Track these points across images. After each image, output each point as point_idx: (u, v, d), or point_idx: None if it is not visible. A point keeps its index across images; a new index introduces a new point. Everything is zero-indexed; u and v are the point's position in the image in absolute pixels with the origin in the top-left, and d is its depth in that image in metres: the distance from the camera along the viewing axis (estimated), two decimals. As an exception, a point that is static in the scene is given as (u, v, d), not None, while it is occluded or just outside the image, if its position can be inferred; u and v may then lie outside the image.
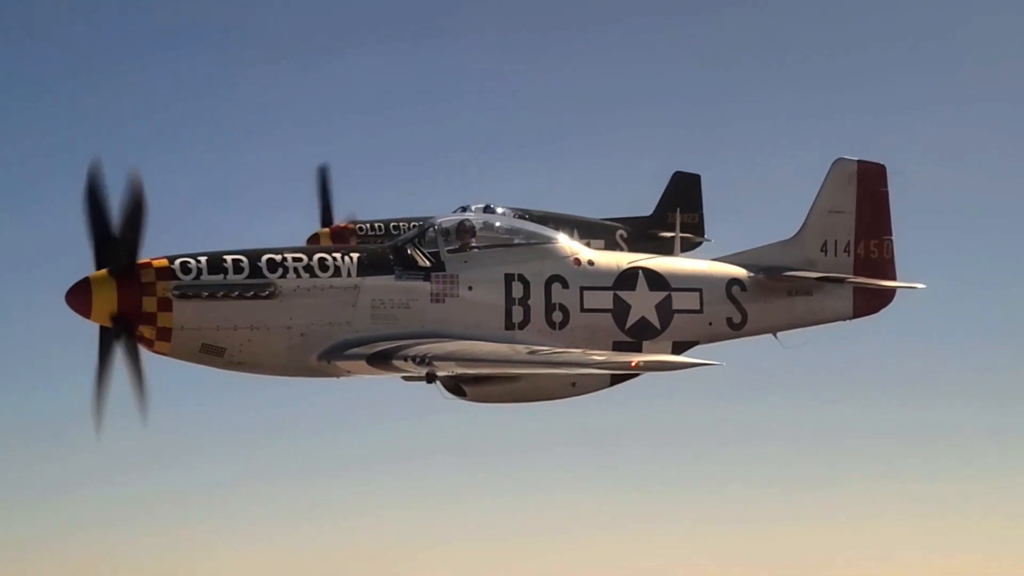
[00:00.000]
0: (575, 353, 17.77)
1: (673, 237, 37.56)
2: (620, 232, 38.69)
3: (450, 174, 53.35)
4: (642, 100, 56.72)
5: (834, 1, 57.00)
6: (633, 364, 16.84)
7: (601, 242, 36.91)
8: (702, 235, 41.01)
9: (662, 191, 41.94)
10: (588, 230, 36.82)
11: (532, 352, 17.63)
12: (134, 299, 17.91)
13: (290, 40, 57.34)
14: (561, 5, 58.09)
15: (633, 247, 37.80)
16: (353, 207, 36.75)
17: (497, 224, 21.01)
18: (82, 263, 18.00)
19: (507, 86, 57.75)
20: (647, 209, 41.36)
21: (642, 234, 39.21)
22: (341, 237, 35.19)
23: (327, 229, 35.70)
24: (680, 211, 39.46)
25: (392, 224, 35.74)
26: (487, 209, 34.14)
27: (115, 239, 17.75)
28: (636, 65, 57.45)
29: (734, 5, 57.25)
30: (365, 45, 56.74)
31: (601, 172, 51.98)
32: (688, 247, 38.61)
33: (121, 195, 17.57)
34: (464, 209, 33.91)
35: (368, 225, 36.01)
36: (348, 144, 54.67)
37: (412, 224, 34.47)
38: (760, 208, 44.02)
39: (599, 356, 17.52)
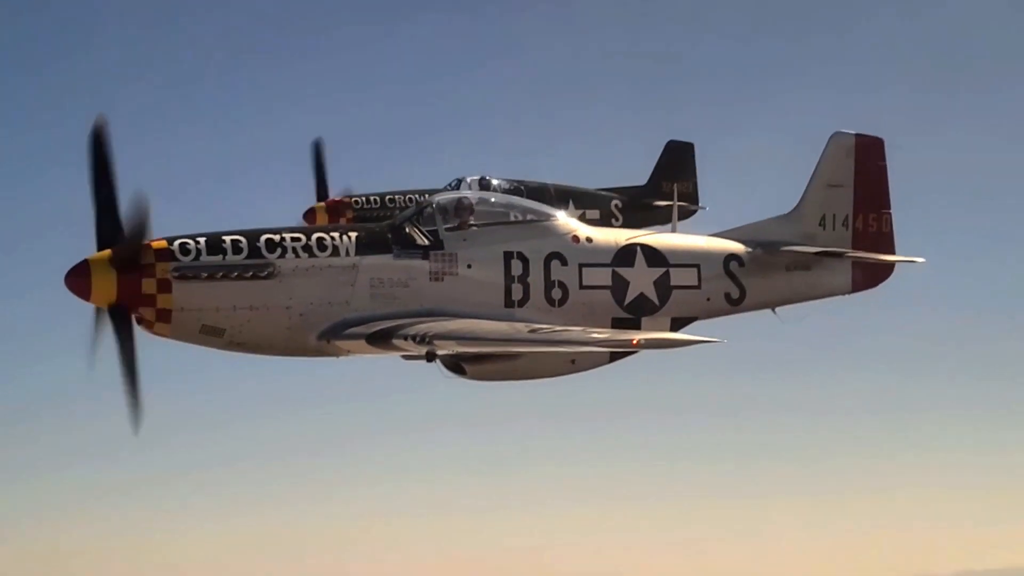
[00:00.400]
0: (576, 331, 17.71)
1: (668, 205, 37.87)
2: (615, 202, 38.60)
3: (446, 146, 53.38)
4: (635, 70, 56.58)
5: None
6: (634, 342, 16.84)
7: (596, 212, 37.00)
8: (696, 203, 40.91)
9: (656, 160, 41.81)
10: (584, 200, 36.93)
11: (533, 331, 17.62)
12: (134, 282, 17.91)
13: (284, 16, 57.15)
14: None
15: (628, 216, 37.88)
16: (349, 180, 36.74)
17: (495, 201, 20.98)
18: (82, 244, 18.11)
19: (502, 58, 57.63)
20: (641, 178, 41.26)
21: (637, 203, 39.11)
22: (337, 211, 35.13)
23: (323, 203, 35.58)
24: (675, 180, 39.56)
25: (388, 197, 35.62)
26: (483, 180, 34.09)
27: (117, 210, 17.75)
28: (629, 35, 57.31)
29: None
30: (360, 20, 56.63)
31: (595, 142, 51.91)
32: (683, 215, 38.58)
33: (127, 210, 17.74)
34: (460, 181, 33.92)
35: (364, 198, 35.89)
36: (344, 117, 54.59)
37: (408, 196, 34.50)
38: (754, 176, 44.05)
39: (600, 334, 17.55)
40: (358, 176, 36.85)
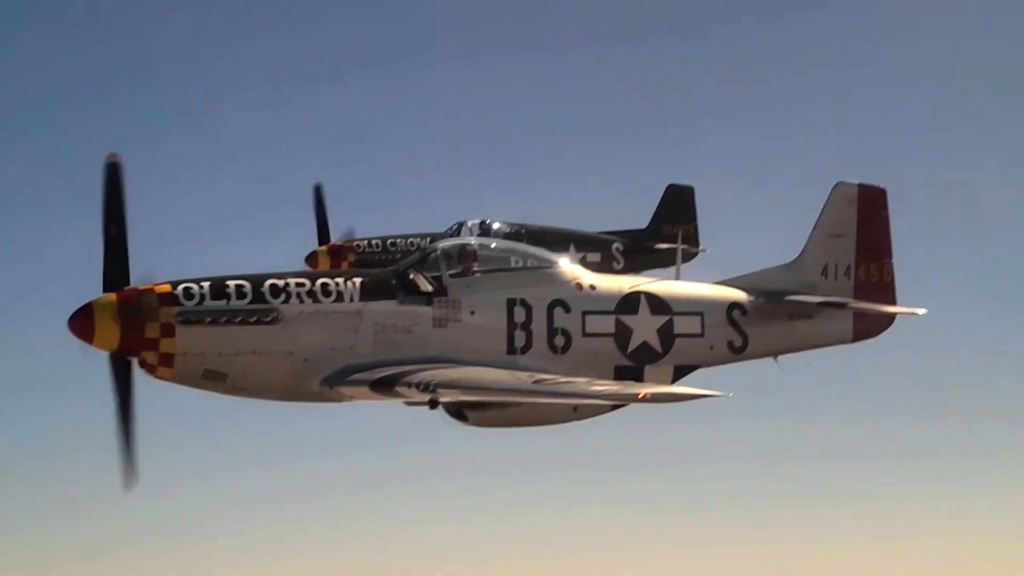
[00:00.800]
0: (581, 384, 17.42)
1: (669, 249, 37.95)
2: (616, 245, 38.66)
3: (446, 190, 53.37)
4: (635, 113, 56.79)
5: (836, 19, 56.88)
6: (640, 396, 16.54)
7: (597, 255, 37.06)
8: (697, 246, 40.98)
9: (656, 204, 41.96)
10: (585, 244, 36.98)
11: (538, 381, 17.46)
12: (137, 325, 17.90)
13: (284, 62, 57.47)
14: (558, 18, 58.09)
15: (629, 259, 37.96)
16: (350, 224, 36.92)
17: (499, 247, 21.01)
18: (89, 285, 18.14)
19: (501, 101, 57.83)
20: (642, 222, 41.40)
21: (638, 247, 39.18)
22: (339, 255, 35.16)
23: (325, 247, 35.63)
24: (675, 223, 39.70)
25: (389, 241, 35.70)
26: (483, 224, 34.15)
27: (126, 251, 17.82)
28: (629, 78, 57.54)
29: (728, 23, 57.22)
30: (360, 64, 56.87)
31: (595, 185, 52.03)
32: (685, 258, 38.58)
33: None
34: (460, 224, 33.99)
35: (366, 242, 35.96)
36: (345, 160, 54.65)
37: (410, 240, 34.58)
38: (754, 220, 44.18)
39: (606, 387, 17.36)
40: (359, 220, 36.84)
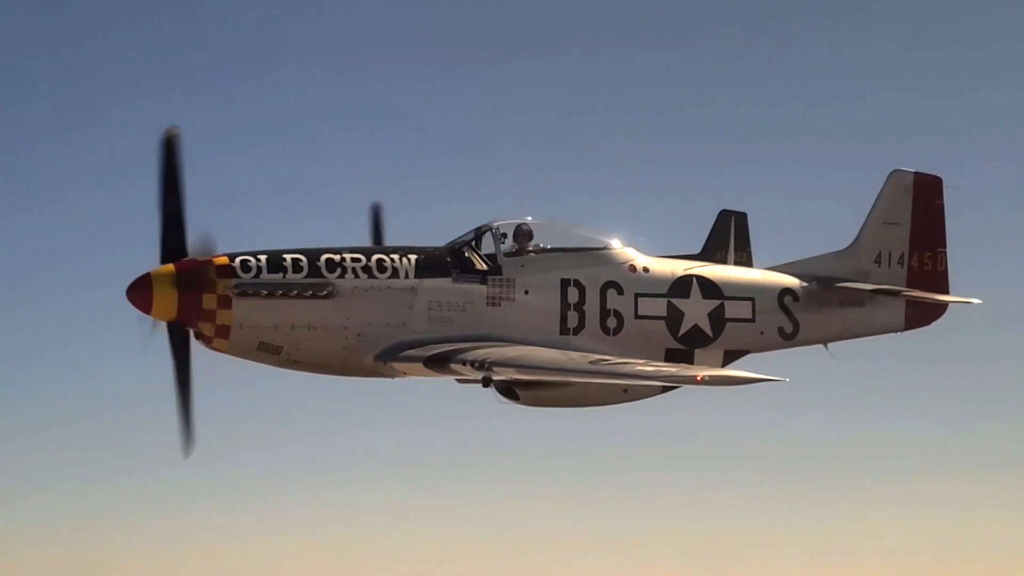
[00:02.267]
0: (638, 364, 17.32)
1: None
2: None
3: (494, 209, 53.28)
4: (689, 137, 56.65)
5: (890, 18, 56.57)
6: (699, 379, 16.37)
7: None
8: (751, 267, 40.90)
9: (709, 229, 41.96)
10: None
11: (594, 362, 17.47)
12: (194, 296, 18.13)
13: (333, 64, 57.70)
14: (607, 36, 58.12)
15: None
16: (401, 234, 37.08)
17: (554, 228, 21.03)
18: (145, 255, 18.38)
19: (554, 125, 57.82)
20: (696, 247, 41.41)
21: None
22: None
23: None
24: (728, 249, 39.68)
25: None
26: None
27: (183, 222, 18.01)
28: (683, 102, 57.49)
29: (774, 45, 57.05)
30: (412, 78, 57.00)
31: (649, 210, 51.98)
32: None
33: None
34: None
35: None
36: (394, 171, 54.72)
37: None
38: (807, 246, 43.93)
39: (663, 369, 17.27)
40: (409, 232, 37.02)
